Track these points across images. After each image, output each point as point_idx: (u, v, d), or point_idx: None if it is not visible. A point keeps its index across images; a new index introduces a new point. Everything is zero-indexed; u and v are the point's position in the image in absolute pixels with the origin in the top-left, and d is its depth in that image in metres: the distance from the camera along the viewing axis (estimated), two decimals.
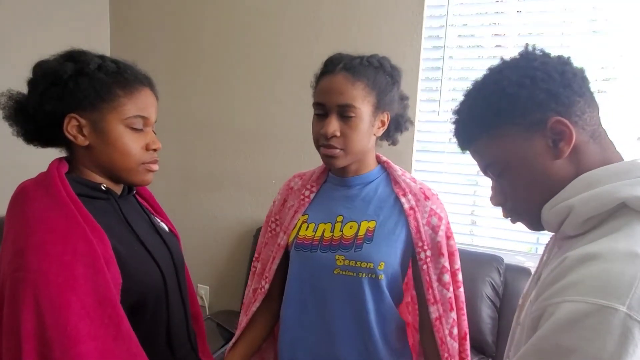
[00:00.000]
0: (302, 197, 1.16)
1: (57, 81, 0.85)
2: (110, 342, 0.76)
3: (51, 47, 0.92)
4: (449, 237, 1.11)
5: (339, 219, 1.10)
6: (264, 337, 1.23)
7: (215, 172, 2.52)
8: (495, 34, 2.03)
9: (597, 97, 0.72)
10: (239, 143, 2.44)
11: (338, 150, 1.02)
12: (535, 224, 0.75)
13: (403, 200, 1.09)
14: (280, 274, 1.17)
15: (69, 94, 0.85)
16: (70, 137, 0.87)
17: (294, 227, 1.13)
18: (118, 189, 0.96)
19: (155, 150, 0.95)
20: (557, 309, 0.56)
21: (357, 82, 1.00)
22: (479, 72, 0.78)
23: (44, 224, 0.77)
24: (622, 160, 0.70)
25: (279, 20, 2.27)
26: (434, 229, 1.09)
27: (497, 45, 2.02)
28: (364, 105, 1.01)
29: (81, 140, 0.87)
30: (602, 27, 1.84)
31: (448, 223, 1.12)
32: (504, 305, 1.93)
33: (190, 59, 2.49)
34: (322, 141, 1.03)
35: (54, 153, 0.94)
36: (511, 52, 0.76)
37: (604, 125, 0.72)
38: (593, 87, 0.72)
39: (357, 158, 1.07)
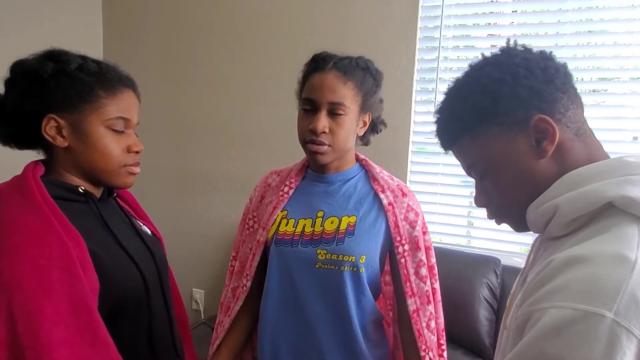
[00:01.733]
0: (281, 193, 1.17)
1: (37, 80, 0.83)
2: (86, 349, 0.74)
3: (41, 45, 0.90)
4: (424, 232, 1.15)
5: (320, 214, 1.11)
6: (246, 338, 1.24)
7: (209, 173, 2.50)
8: (490, 34, 2.02)
9: (592, 97, 0.70)
10: (233, 144, 2.42)
11: (326, 147, 1.04)
12: (520, 225, 0.73)
13: (382, 196, 1.12)
14: (259, 271, 1.17)
15: (48, 93, 0.83)
16: (49, 138, 0.85)
17: (273, 223, 1.14)
18: (98, 192, 0.94)
19: (137, 152, 0.93)
20: (543, 315, 0.54)
21: (348, 81, 1.03)
22: None
23: (18, 227, 0.75)
24: (608, 157, 0.68)
25: (273, 20, 2.26)
26: (411, 224, 1.12)
27: (492, 46, 2.00)
28: (352, 105, 1.04)
29: (60, 142, 0.85)
30: (598, 28, 1.83)
31: (424, 219, 1.16)
32: (501, 307, 1.90)
33: (184, 59, 2.47)
34: (309, 137, 1.05)
35: (32, 155, 0.92)
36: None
37: (592, 125, 0.70)
38: (583, 86, 0.70)
39: (340, 155, 1.10)
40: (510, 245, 2.05)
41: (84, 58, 0.88)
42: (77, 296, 0.74)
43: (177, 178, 2.58)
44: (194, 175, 2.54)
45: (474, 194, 0.77)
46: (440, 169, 2.11)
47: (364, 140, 1.20)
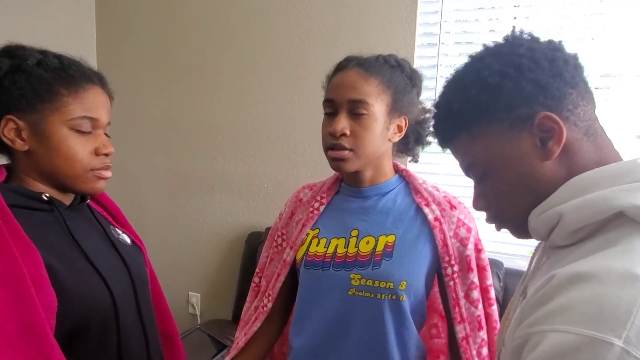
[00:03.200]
0: (311, 209, 1.05)
1: None
2: None
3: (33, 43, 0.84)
4: (479, 250, 1.02)
5: (354, 233, 0.99)
6: (261, 359, 1.13)
7: (205, 176, 2.45)
8: (492, 30, 1.94)
9: (595, 93, 0.63)
10: (229, 146, 2.37)
11: (347, 152, 0.92)
12: (521, 232, 0.66)
13: (427, 210, 0.99)
14: (283, 293, 1.07)
15: (4, 93, 0.77)
16: (7, 142, 0.78)
17: (303, 243, 1.03)
18: (67, 199, 0.87)
19: (107, 155, 0.86)
20: (543, 339, 0.48)
21: (370, 78, 0.93)
22: None
23: None
24: (621, 159, 0.61)
25: (269, 18, 2.20)
26: (462, 242, 0.99)
27: (494, 42, 1.92)
28: (377, 103, 0.92)
29: (19, 145, 0.79)
30: (601, 23, 1.75)
31: (477, 234, 1.02)
32: (504, 310, 1.82)
33: (178, 60, 2.42)
34: (329, 141, 0.94)
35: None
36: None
37: (601, 122, 0.63)
38: (590, 80, 0.63)
39: (368, 162, 0.97)
40: (514, 247, 1.97)
41: (43, 53, 0.81)
42: (26, 318, 0.66)
43: (172, 180, 2.54)
44: (189, 177, 2.49)
45: (472, 196, 0.70)
46: (441, 169, 2.04)
47: (408, 152, 1.07)
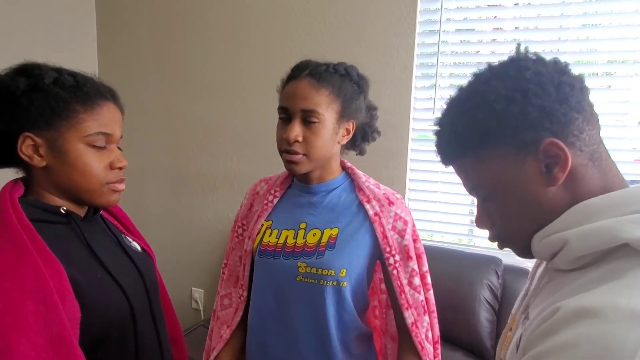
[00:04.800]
0: (265, 201, 1.15)
1: (9, 98, 0.79)
2: None
3: (35, 50, 0.85)
4: (415, 240, 1.11)
5: (303, 225, 1.09)
6: (243, 346, 1.21)
7: (207, 173, 2.47)
8: (495, 28, 1.96)
9: (598, 81, 0.63)
10: (231, 144, 2.39)
11: (300, 156, 1.01)
12: (524, 253, 0.67)
13: (367, 206, 1.08)
14: (250, 281, 1.16)
15: (22, 111, 0.79)
16: (26, 158, 0.80)
17: (258, 233, 1.12)
18: (81, 211, 0.90)
19: (120, 168, 0.88)
20: None
21: (321, 88, 1.00)
22: (475, 67, 0.69)
23: None
24: (626, 185, 0.62)
25: (268, 17, 2.21)
26: (400, 233, 1.08)
27: (493, 40, 1.94)
28: (327, 112, 1.00)
29: (37, 161, 0.81)
30: (604, 9, 1.78)
31: (414, 226, 1.11)
32: (503, 309, 1.87)
33: (179, 60, 2.43)
34: (284, 146, 1.03)
35: (10, 174, 0.88)
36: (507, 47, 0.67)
37: (598, 110, 0.63)
38: (589, 68, 0.63)
39: (319, 165, 1.06)
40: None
41: (59, 71, 0.83)
42: (54, 330, 0.70)
43: (175, 178, 2.56)
44: (191, 175, 2.52)
45: (475, 214, 0.72)
46: (441, 167, 2.03)
47: (356, 149, 1.16)
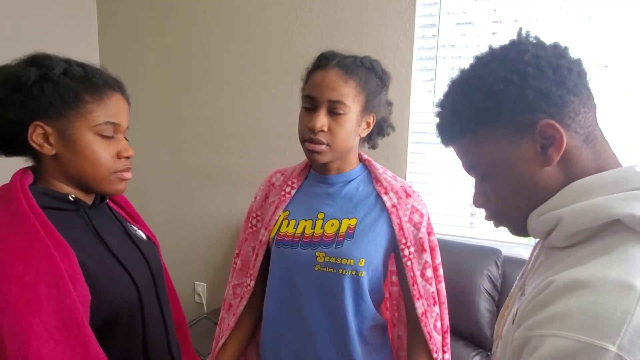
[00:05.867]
0: (283, 193, 1.15)
1: (20, 88, 0.81)
2: None
3: (36, 45, 0.87)
4: (429, 233, 1.13)
5: (320, 216, 1.10)
6: (250, 336, 1.24)
7: (208, 168, 2.49)
8: (494, 21, 1.97)
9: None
10: (232, 139, 2.41)
11: (323, 146, 1.02)
12: (520, 231, 0.70)
13: (385, 198, 1.09)
14: (263, 271, 1.16)
15: (33, 101, 0.81)
16: (36, 147, 0.82)
17: (275, 223, 1.13)
18: (89, 199, 0.92)
19: (127, 157, 0.90)
20: (542, 343, 0.51)
21: (349, 80, 1.00)
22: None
23: (3, 242, 0.74)
24: (619, 165, 0.64)
25: (268, 12, 2.22)
26: (416, 226, 1.10)
27: (493, 34, 1.96)
28: (353, 104, 1.01)
29: (47, 150, 0.83)
30: (599, 13, 1.78)
31: (429, 219, 1.13)
32: (502, 299, 1.89)
33: (181, 55, 2.45)
34: (307, 135, 1.02)
35: (20, 162, 0.90)
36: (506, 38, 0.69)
37: (600, 125, 0.66)
38: (590, 78, 0.64)
39: (340, 156, 1.07)
40: (512, 235, 2.02)
41: (68, 62, 0.85)
42: (66, 311, 0.72)
43: (176, 173, 2.58)
44: (193, 170, 2.53)
45: (472, 194, 0.74)
46: (441, 160, 2.08)
47: (370, 143, 1.17)
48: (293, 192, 1.15)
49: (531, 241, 2.02)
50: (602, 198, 0.58)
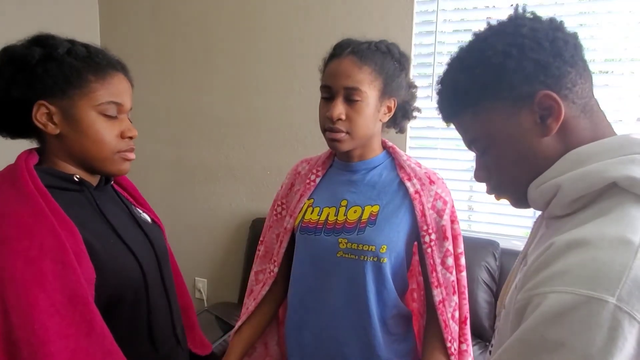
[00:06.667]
0: (308, 181, 1.17)
1: (25, 67, 0.81)
2: (82, 340, 0.73)
3: (37, 30, 0.88)
4: (453, 221, 1.11)
5: (344, 203, 1.10)
6: (268, 322, 1.24)
7: (209, 163, 2.50)
8: (489, 17, 1.99)
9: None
10: (232, 135, 2.42)
11: (343, 134, 1.02)
12: (521, 202, 0.71)
13: (408, 184, 1.09)
14: (286, 258, 1.18)
15: (37, 80, 0.82)
16: (40, 126, 0.83)
17: (300, 211, 1.14)
18: (94, 180, 0.92)
19: (131, 138, 0.91)
20: (544, 300, 0.53)
21: (364, 66, 1.00)
22: None
23: (8, 218, 0.74)
24: (615, 134, 0.65)
25: (267, 8, 2.23)
26: (439, 213, 1.09)
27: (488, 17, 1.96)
28: (370, 90, 1.01)
29: (51, 129, 0.84)
30: (595, 19, 1.80)
31: (453, 207, 1.12)
32: (500, 290, 1.89)
33: (181, 49, 2.46)
34: (327, 124, 1.03)
35: (25, 145, 0.90)
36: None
37: (598, 100, 0.67)
38: (586, 56, 0.66)
39: (362, 142, 1.07)
40: (509, 228, 2.04)
41: (72, 42, 0.86)
42: (71, 287, 0.73)
43: (177, 168, 2.58)
44: (193, 165, 2.54)
45: (474, 168, 0.75)
46: (438, 154, 2.09)
47: (396, 127, 1.16)
48: (318, 180, 1.16)
49: (527, 234, 2.03)
50: (599, 163, 0.59)
